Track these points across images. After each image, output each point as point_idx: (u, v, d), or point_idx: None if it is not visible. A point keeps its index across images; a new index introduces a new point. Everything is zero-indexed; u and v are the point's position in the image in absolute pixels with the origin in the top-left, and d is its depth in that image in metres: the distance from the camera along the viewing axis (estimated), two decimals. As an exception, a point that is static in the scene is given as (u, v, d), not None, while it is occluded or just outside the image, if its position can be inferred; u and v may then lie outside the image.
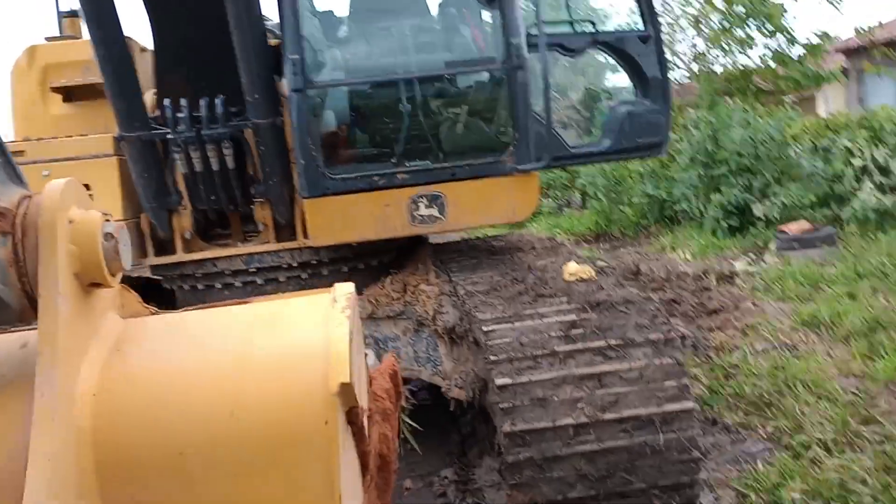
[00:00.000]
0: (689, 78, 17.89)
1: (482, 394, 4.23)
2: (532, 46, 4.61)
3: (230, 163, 4.68)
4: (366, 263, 5.42)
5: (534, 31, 4.68)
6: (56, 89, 5.31)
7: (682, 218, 14.10)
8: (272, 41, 4.75)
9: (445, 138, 4.88)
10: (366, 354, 2.30)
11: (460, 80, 4.97)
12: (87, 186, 4.54)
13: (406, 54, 4.91)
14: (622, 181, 15.77)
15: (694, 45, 17.77)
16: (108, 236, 1.49)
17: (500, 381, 3.60)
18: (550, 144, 4.84)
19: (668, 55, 11.86)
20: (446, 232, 4.96)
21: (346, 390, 1.46)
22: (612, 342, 3.76)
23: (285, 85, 4.51)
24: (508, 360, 3.67)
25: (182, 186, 4.86)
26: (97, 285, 1.51)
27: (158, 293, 5.45)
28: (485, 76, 4.99)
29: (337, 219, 4.64)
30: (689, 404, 3.64)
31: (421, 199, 4.71)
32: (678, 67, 17.96)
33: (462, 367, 4.56)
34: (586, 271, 4.64)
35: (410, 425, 3.60)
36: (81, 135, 4.84)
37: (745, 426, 5.14)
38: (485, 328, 3.85)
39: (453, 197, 4.76)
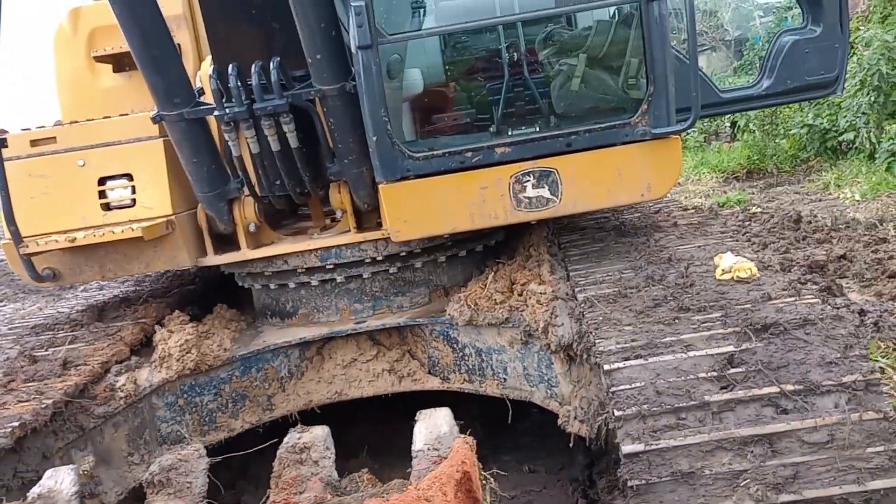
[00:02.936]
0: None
1: (611, 432, 3.26)
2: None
3: (293, 141, 3.85)
4: (468, 250, 4.50)
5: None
6: (101, 58, 4.63)
7: (848, 150, 12.30)
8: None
9: (558, 98, 3.82)
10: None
11: (576, 21, 3.85)
12: (129, 177, 3.94)
13: (504, -9, 3.83)
14: (778, 110, 13.94)
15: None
16: None
17: (628, 447, 2.61)
18: (699, 94, 3.68)
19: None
20: (561, 216, 3.94)
21: None
22: (789, 387, 2.68)
23: (350, 40, 3.58)
24: (640, 417, 2.67)
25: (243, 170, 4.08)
26: None
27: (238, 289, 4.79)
28: (608, 13, 3.83)
29: (421, 207, 3.73)
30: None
31: (527, 178, 3.71)
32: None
33: (584, 391, 3.60)
34: (745, 268, 3.52)
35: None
36: (124, 114, 4.14)
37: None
38: (607, 366, 2.85)
39: (569, 173, 3.72)
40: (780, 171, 13.63)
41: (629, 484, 2.60)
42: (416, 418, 2.58)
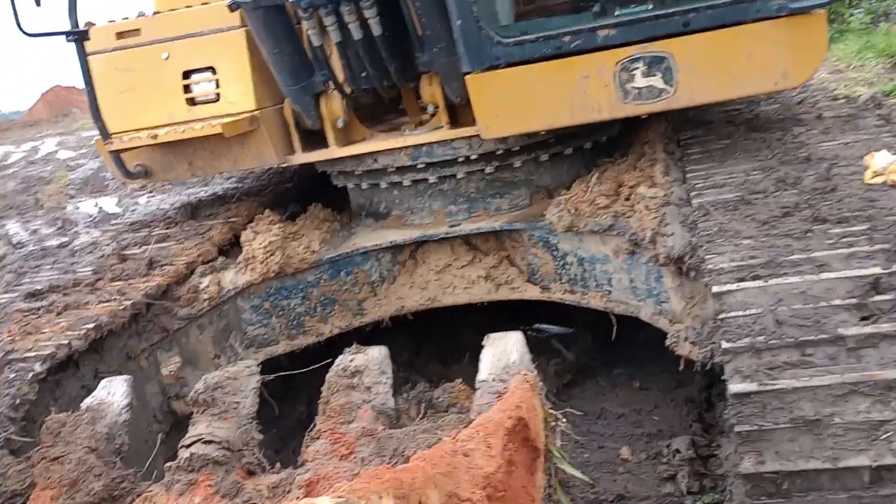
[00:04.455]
0: None
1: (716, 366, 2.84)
2: None
3: (376, 28, 3.49)
4: (575, 148, 4.05)
5: None
6: (183, -56, 4.37)
7: None
8: None
9: (674, -33, 3.23)
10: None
11: None
12: (212, 70, 3.73)
13: None
14: (962, -18, 12.09)
15: None
16: None
17: (737, 386, 2.21)
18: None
19: None
20: (677, 109, 3.41)
21: None
22: (949, 321, 2.16)
23: None
24: (753, 351, 2.25)
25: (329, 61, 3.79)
26: None
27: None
28: None
29: (513, 100, 3.32)
30: None
31: (636, 65, 3.20)
32: None
33: (697, 309, 3.17)
34: (906, 169, 2.91)
35: (571, 479, 2.32)
36: (206, 2, 3.90)
37: None
38: (717, 287, 2.43)
39: (686, 58, 3.18)
40: (963, 55, 11.94)
41: (736, 429, 2.21)
42: (483, 343, 2.29)
